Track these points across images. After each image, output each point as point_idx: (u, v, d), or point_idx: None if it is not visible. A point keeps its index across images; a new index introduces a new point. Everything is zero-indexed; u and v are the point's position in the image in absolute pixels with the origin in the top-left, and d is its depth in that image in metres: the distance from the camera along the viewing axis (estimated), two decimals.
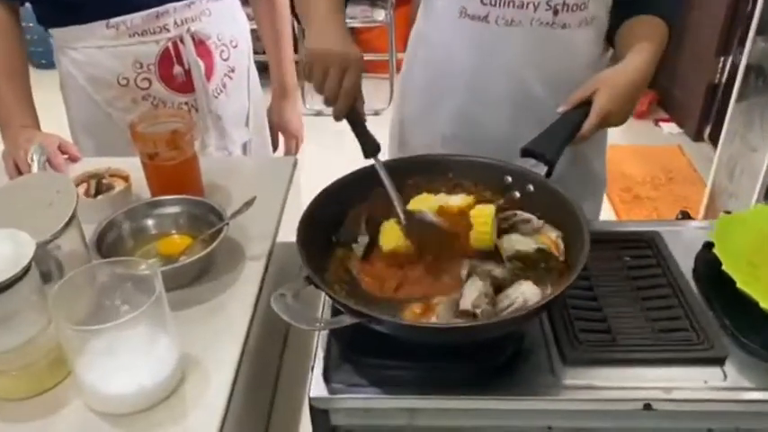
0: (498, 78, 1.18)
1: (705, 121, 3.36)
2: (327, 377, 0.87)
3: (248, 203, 1.02)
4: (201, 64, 1.39)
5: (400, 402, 0.85)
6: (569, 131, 1.01)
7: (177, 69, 1.38)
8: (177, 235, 1.05)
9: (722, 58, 3.16)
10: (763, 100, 1.83)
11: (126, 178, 1.18)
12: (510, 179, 1.01)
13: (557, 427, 0.87)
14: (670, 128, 3.60)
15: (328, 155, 2.40)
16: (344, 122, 1.00)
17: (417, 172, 1.05)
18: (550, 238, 0.94)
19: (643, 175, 3.17)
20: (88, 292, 0.82)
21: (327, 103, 0.99)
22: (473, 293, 0.86)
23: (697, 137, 3.43)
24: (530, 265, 0.92)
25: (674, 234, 1.10)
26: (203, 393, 0.82)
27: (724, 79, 3.17)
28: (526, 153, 1.01)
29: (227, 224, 0.99)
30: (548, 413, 0.85)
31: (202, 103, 1.44)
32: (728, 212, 1.64)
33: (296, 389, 1.09)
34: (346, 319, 0.81)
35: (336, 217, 1.01)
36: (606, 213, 2.67)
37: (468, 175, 1.04)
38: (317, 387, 0.86)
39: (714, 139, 3.15)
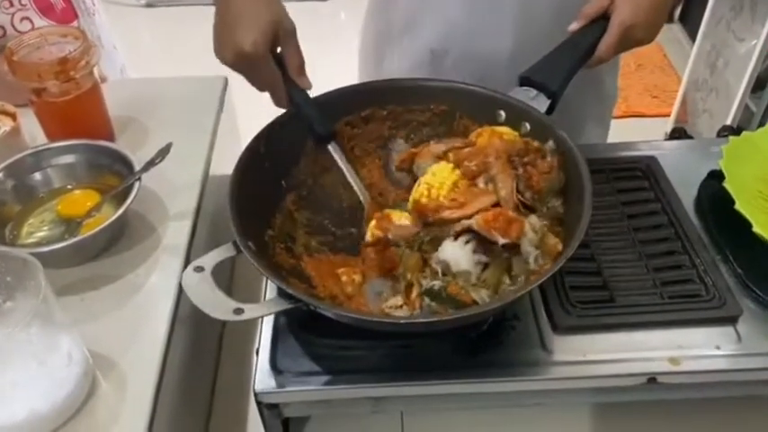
0: None
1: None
2: (276, 365, 0.72)
3: (163, 152, 0.81)
4: None
5: (364, 391, 0.71)
6: (579, 56, 0.82)
7: None
8: (79, 190, 0.86)
9: None
10: None
11: (13, 116, 0.95)
12: (503, 114, 0.81)
13: (546, 403, 0.75)
14: None
15: None
16: None
17: (391, 101, 0.86)
18: None
19: None
20: None
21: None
22: None
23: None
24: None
25: (670, 157, 0.96)
26: (121, 403, 0.66)
27: None
28: (525, 82, 0.82)
29: (139, 179, 0.80)
30: (538, 393, 0.73)
31: (89, 27, 1.16)
32: (730, 128, 1.49)
33: (241, 372, 0.94)
34: (277, 304, 0.66)
35: (289, 156, 0.83)
36: None
37: (453, 106, 0.85)
38: (263, 378, 0.71)
39: (684, 21, 2.96)
